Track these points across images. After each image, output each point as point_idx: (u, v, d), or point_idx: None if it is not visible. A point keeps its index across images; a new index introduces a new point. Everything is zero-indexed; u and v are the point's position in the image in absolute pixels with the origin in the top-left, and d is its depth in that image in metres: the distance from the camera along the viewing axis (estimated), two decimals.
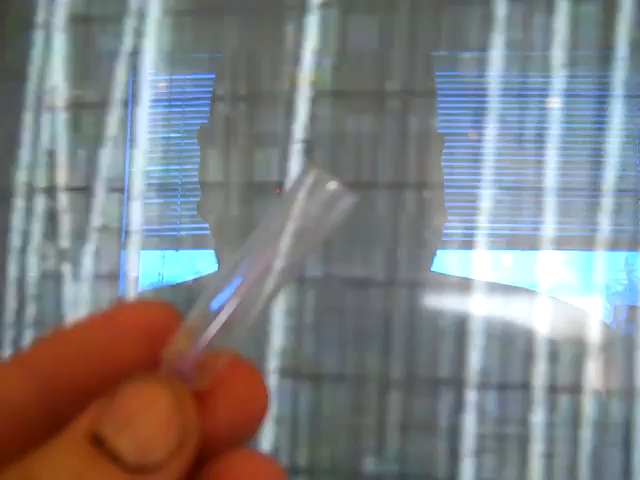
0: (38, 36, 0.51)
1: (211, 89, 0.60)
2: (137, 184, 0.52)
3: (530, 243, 0.58)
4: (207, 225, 0.60)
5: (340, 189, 0.18)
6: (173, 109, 0.61)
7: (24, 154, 0.52)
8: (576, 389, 0.49)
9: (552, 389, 0.49)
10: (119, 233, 0.57)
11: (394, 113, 0.52)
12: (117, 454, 0.17)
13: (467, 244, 0.56)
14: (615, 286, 0.67)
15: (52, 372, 0.19)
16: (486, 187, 0.53)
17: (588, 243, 0.53)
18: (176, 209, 0.65)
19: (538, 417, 0.49)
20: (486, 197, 0.53)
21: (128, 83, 0.51)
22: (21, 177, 0.53)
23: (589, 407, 0.49)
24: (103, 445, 0.17)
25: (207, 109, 0.60)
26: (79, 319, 0.20)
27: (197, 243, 0.63)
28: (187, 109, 0.64)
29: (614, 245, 0.52)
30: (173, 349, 0.19)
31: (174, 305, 0.20)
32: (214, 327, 0.19)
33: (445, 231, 0.58)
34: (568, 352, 0.51)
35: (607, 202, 0.51)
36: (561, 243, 0.54)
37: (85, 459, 0.17)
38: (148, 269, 0.61)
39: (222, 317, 0.19)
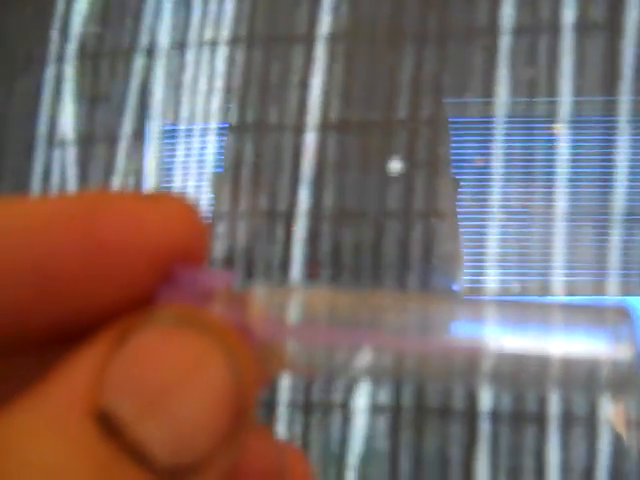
0: (49, 70, 0.52)
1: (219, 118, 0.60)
2: None
3: (540, 290, 0.57)
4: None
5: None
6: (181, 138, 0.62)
7: (34, 187, 0.52)
8: (591, 421, 0.49)
9: (566, 421, 0.49)
10: None
11: (401, 141, 0.52)
12: (140, 447, 0.10)
13: (476, 269, 0.56)
14: None
15: None
16: (493, 213, 0.53)
17: (597, 289, 0.52)
18: None
19: (553, 448, 0.48)
20: (493, 223, 0.52)
21: (137, 115, 0.52)
22: None
23: (604, 438, 0.48)
24: (116, 430, 0.10)
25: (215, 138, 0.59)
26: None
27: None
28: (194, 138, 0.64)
29: (624, 291, 0.52)
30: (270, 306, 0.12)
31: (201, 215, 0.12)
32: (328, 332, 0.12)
33: (454, 257, 0.58)
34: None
35: (617, 226, 0.51)
36: (570, 290, 0.54)
37: (94, 455, 0.10)
38: None
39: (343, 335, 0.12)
